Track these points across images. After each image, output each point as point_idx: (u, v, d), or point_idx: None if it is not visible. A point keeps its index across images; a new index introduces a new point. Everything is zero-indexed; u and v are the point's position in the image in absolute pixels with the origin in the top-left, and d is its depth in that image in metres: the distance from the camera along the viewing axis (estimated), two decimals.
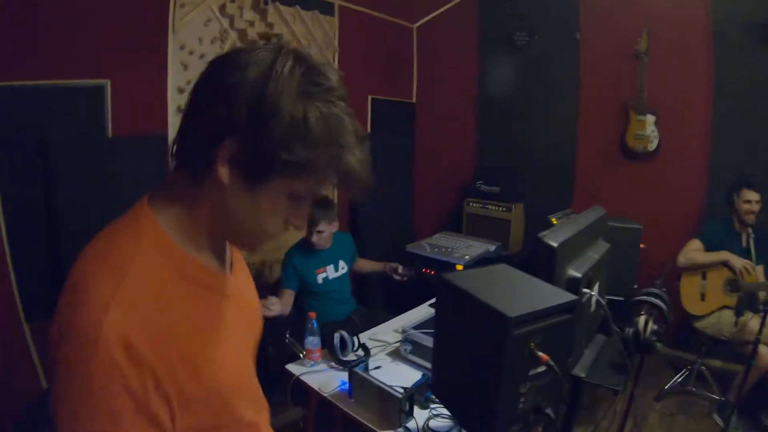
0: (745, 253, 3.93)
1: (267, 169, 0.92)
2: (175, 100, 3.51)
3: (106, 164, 3.15)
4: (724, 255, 3.85)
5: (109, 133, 3.25)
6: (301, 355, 3.10)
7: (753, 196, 3.82)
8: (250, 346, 1.27)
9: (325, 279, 3.73)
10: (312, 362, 2.75)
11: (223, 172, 0.92)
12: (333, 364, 2.77)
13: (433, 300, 3.73)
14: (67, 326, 0.85)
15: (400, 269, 3.86)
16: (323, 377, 2.66)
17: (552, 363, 1.49)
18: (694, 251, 3.98)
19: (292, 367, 2.75)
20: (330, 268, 3.75)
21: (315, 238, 3.62)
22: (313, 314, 2.74)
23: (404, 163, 5.84)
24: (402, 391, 2.29)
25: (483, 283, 1.75)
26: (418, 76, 6.14)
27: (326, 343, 2.84)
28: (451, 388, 1.88)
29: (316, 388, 2.57)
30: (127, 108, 3.30)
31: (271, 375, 2.84)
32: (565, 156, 5.35)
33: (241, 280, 1.21)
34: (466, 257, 4.48)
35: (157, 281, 0.93)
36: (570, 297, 1.64)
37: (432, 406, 2.41)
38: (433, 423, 2.32)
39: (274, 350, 3.57)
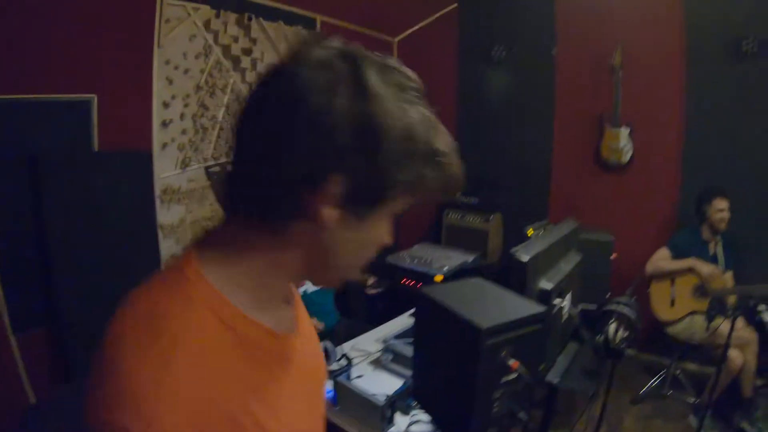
0: (713, 261, 4.05)
1: (380, 196, 0.81)
2: (160, 115, 3.58)
3: (93, 178, 3.19)
4: (690, 262, 3.96)
5: (96, 148, 3.30)
6: None
7: (724, 204, 3.92)
8: (321, 407, 1.12)
9: (305, 292, 3.73)
10: None
11: (329, 213, 0.78)
12: None
13: (413, 310, 3.76)
14: (104, 427, 0.66)
15: (370, 281, 3.84)
16: None
17: (523, 370, 1.55)
18: (661, 260, 4.11)
19: None
20: (308, 282, 3.71)
21: None
22: None
23: None
24: (384, 398, 2.35)
25: (458, 296, 1.82)
26: None
27: None
28: (430, 393, 1.95)
29: None
30: (113, 123, 3.35)
31: None
32: (541, 167, 5.46)
33: (305, 331, 1.06)
34: (445, 268, 4.55)
35: (214, 358, 0.75)
36: (539, 309, 1.72)
37: (413, 412, 2.45)
38: (414, 428, 2.37)
39: None
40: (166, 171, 3.66)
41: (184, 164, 3.76)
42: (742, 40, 4.20)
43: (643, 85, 4.74)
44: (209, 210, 3.99)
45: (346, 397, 2.47)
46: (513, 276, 2.16)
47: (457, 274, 4.69)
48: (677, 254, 4.08)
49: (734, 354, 3.57)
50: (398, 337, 2.93)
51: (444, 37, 5.90)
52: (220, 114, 3.97)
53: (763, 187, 4.24)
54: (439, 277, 4.51)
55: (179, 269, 0.80)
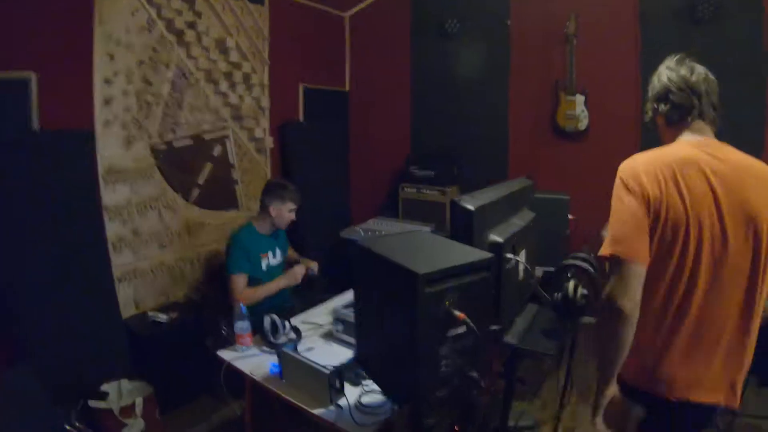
0: None
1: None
2: (102, 92, 3.47)
3: (33, 159, 3.07)
4: None
5: (36, 127, 3.19)
6: (222, 331, 3.20)
7: None
8: None
9: (268, 265, 3.64)
10: (243, 347, 2.76)
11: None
12: (265, 348, 2.78)
13: None
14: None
15: (317, 269, 3.81)
16: (255, 361, 2.66)
17: (468, 321, 1.50)
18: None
19: (224, 354, 2.75)
20: (270, 254, 3.66)
21: (291, 217, 3.63)
22: (243, 299, 2.76)
23: (338, 150, 5.88)
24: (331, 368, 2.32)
25: (399, 247, 1.79)
26: (351, 65, 6.18)
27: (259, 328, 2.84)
28: (374, 359, 1.92)
29: (247, 372, 2.58)
30: (54, 101, 3.24)
31: (210, 366, 2.88)
32: (498, 138, 5.46)
33: None
34: None
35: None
36: (485, 255, 1.66)
37: (364, 382, 2.41)
38: (365, 399, 2.31)
39: (213, 341, 3.58)
40: (109, 150, 3.55)
41: (129, 143, 3.65)
42: (696, 4, 4.26)
43: (597, 52, 4.77)
44: (156, 189, 3.89)
45: (292, 370, 2.43)
46: (459, 226, 2.04)
47: None
48: None
49: None
50: (348, 306, 2.85)
51: (396, 11, 5.86)
52: (165, 90, 3.87)
53: None
54: None
55: None
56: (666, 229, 1.68)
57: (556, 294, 2.22)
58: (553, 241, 3.27)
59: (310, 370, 2.33)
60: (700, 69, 1.92)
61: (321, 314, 3.26)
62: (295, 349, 2.58)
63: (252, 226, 3.60)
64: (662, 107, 1.93)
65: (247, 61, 4.53)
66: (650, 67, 3.57)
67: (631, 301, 1.63)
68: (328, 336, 2.95)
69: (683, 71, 1.90)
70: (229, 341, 2.91)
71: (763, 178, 1.70)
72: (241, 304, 2.75)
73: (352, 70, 6.22)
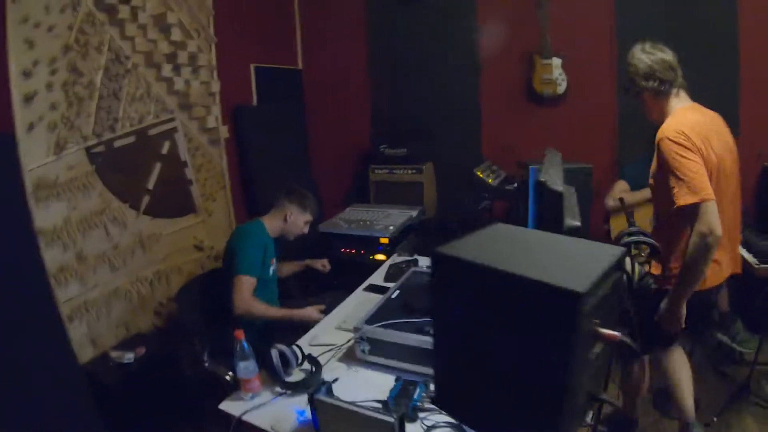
0: None
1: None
2: (21, 87, 2.76)
3: None
4: (646, 192, 3.72)
5: None
6: (227, 377, 2.66)
7: None
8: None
9: (273, 272, 3.23)
10: (251, 394, 2.16)
11: None
12: (278, 389, 2.20)
13: (367, 284, 3.33)
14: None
15: (327, 264, 3.47)
16: (272, 411, 2.08)
17: (626, 339, 1.24)
18: (623, 192, 3.93)
19: (229, 406, 2.13)
20: (275, 261, 3.25)
21: (304, 231, 3.34)
22: (240, 333, 2.13)
23: (297, 135, 5.34)
24: (393, 412, 1.81)
25: (502, 253, 1.35)
26: (303, 40, 5.66)
27: (263, 359, 2.25)
28: (473, 398, 1.45)
29: (270, 430, 1.98)
30: None
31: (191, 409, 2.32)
32: (469, 108, 5.12)
33: None
34: (390, 228, 4.14)
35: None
36: (617, 249, 1.34)
37: (421, 415, 1.98)
38: None
39: (192, 375, 3.10)
40: (36, 159, 2.87)
41: (60, 148, 2.97)
42: None
43: (572, 13, 4.54)
44: (99, 202, 3.23)
45: (332, 418, 1.87)
46: (546, 211, 1.89)
47: (404, 234, 4.21)
48: (634, 186, 3.97)
49: None
50: (370, 321, 2.36)
51: None
52: (98, 79, 3.17)
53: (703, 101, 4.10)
54: (384, 240, 4.03)
55: None
56: (710, 172, 2.27)
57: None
58: (584, 216, 2.97)
59: (361, 419, 1.79)
60: (669, 50, 2.51)
61: (329, 331, 2.73)
62: (330, 391, 1.98)
63: (264, 225, 3.18)
64: (651, 84, 2.47)
65: (191, 39, 3.83)
66: (626, 26, 3.92)
67: (720, 228, 2.17)
68: (349, 358, 2.43)
69: (660, 54, 2.47)
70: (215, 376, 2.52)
71: (724, 123, 2.52)
72: (244, 342, 2.11)
73: (304, 46, 5.65)
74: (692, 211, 2.19)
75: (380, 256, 4.05)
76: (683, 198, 2.20)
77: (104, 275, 3.28)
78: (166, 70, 3.59)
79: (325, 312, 3.03)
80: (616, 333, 1.21)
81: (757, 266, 3.28)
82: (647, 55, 2.45)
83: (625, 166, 4.24)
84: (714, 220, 2.16)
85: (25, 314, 2.61)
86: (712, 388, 3.38)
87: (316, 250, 3.99)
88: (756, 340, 3.59)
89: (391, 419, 1.72)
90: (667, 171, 2.29)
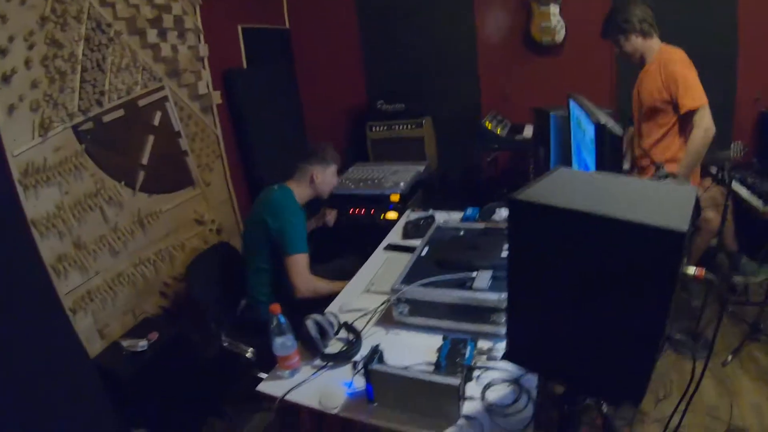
0: None
1: None
2: None
3: None
4: None
5: None
6: (248, 355, 2.59)
7: None
8: None
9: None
10: (290, 371, 2.00)
11: None
12: (318, 362, 2.04)
13: (386, 243, 3.19)
14: None
15: (335, 213, 3.40)
16: (317, 386, 1.92)
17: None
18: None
19: (269, 387, 1.96)
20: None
21: (336, 181, 3.26)
22: (276, 307, 1.95)
23: (289, 97, 5.12)
24: (441, 370, 1.81)
25: (584, 197, 1.25)
26: None
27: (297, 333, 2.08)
28: (555, 349, 1.37)
29: (317, 407, 1.83)
30: None
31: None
32: (466, 59, 5.01)
33: None
34: (401, 184, 4.01)
35: None
36: (692, 188, 1.31)
37: (475, 374, 1.85)
38: (491, 395, 1.74)
39: (211, 357, 3.04)
40: (21, 144, 2.62)
41: (45, 128, 2.72)
42: None
43: None
44: (91, 183, 3.00)
45: (390, 388, 1.73)
46: (607, 154, 1.79)
47: (413, 190, 4.04)
48: None
49: (711, 215, 3.55)
50: (406, 281, 2.20)
51: None
52: (80, 50, 2.91)
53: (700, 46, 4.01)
54: (395, 197, 3.87)
55: None
56: None
57: None
58: None
59: (424, 386, 1.66)
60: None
61: (357, 296, 2.58)
62: (382, 360, 1.82)
63: (292, 192, 2.99)
64: (645, 27, 3.12)
65: (175, 1, 3.56)
66: None
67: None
68: (386, 322, 2.29)
69: (645, 8, 3.12)
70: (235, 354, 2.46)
71: None
72: (281, 316, 1.94)
73: (290, 4, 5.37)
74: (693, 114, 2.90)
75: (391, 215, 3.90)
76: (692, 102, 2.89)
77: (105, 261, 3.07)
78: (151, 36, 3.32)
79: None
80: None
81: (762, 209, 3.44)
82: (640, 9, 3.12)
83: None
84: (710, 117, 2.86)
85: (26, 312, 2.40)
86: (725, 329, 3.40)
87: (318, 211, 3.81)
88: (762, 268, 3.72)
89: (455, 382, 1.58)
90: (674, 86, 2.96)
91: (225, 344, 2.72)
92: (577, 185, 1.37)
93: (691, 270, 1.19)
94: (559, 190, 1.30)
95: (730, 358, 3.17)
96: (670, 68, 2.99)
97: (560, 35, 4.55)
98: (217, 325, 2.75)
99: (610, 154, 1.73)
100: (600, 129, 1.74)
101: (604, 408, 1.93)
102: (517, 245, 1.32)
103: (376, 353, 1.78)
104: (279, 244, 2.80)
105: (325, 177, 3.09)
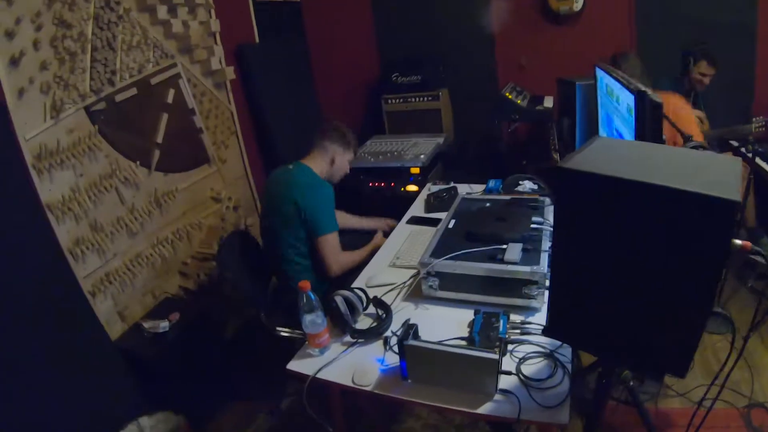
0: None
1: None
2: (5, 50, 2.42)
3: None
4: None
5: None
6: (284, 334, 2.50)
7: (710, 71, 3.86)
8: None
9: None
10: (320, 349, 1.95)
11: None
12: (348, 339, 2.00)
13: (409, 216, 3.16)
14: None
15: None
16: (349, 363, 1.88)
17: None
18: None
19: (299, 365, 1.92)
20: None
21: (347, 170, 3.15)
22: (306, 284, 1.89)
23: (302, 70, 5.03)
24: (475, 344, 1.78)
25: (631, 166, 1.20)
26: None
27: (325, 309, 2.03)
28: (600, 322, 1.34)
29: (351, 384, 1.78)
30: None
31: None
32: (481, 30, 4.89)
33: None
34: (421, 156, 3.96)
35: None
36: (736, 159, 1.27)
37: (509, 348, 1.81)
38: (526, 370, 1.71)
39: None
40: (33, 127, 2.56)
41: (56, 110, 2.65)
42: None
43: None
44: (106, 164, 2.94)
45: (425, 364, 1.69)
46: (648, 122, 1.72)
47: (433, 162, 4.00)
48: None
49: None
50: (435, 254, 2.15)
51: None
52: (89, 29, 2.82)
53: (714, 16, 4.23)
54: (416, 170, 3.86)
55: None
56: None
57: None
58: None
59: (458, 360, 1.62)
60: None
61: (383, 270, 2.53)
62: (417, 335, 1.76)
63: (312, 170, 2.90)
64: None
65: None
66: None
67: None
68: (416, 297, 2.23)
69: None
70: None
71: None
72: (310, 292, 1.88)
73: None
74: None
75: (412, 187, 3.85)
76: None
77: (123, 242, 3.03)
78: (162, 12, 3.23)
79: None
80: (749, 243, 1.12)
81: None
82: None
83: (657, 82, 4.06)
84: None
85: (45, 298, 2.40)
86: (747, 305, 3.37)
87: (342, 187, 3.72)
88: None
89: (494, 356, 1.52)
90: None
91: (284, 334, 2.58)
92: (620, 154, 1.33)
93: (739, 242, 1.14)
94: (604, 160, 1.25)
95: (751, 333, 3.11)
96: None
97: (578, 4, 4.46)
98: (267, 314, 2.65)
99: (651, 123, 1.66)
100: (640, 97, 1.68)
101: (630, 382, 1.89)
102: (563, 216, 1.27)
103: (410, 328, 1.72)
104: (310, 224, 2.73)
105: (343, 162, 3.02)
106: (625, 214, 1.13)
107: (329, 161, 2.95)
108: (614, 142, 1.53)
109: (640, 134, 1.75)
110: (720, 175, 1.11)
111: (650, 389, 2.72)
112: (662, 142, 1.76)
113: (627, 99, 1.98)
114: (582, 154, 1.27)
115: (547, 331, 1.47)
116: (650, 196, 1.07)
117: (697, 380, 2.78)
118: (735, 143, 3.89)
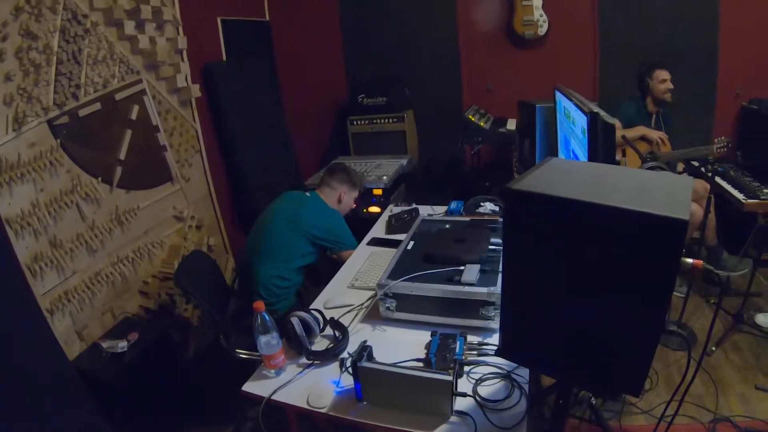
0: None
1: None
2: None
3: None
4: (641, 130, 3.99)
5: None
6: (242, 356, 2.48)
7: (665, 74, 3.97)
8: None
9: None
10: (276, 370, 1.95)
11: None
12: (304, 361, 2.00)
13: (369, 238, 3.18)
14: None
15: None
16: (305, 385, 1.88)
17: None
18: (619, 130, 3.93)
19: (254, 387, 1.92)
20: None
21: (353, 207, 3.37)
22: (260, 305, 1.90)
23: (269, 90, 5.01)
24: (432, 366, 1.80)
25: (581, 186, 1.22)
26: None
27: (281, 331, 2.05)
28: (551, 343, 1.35)
29: (305, 406, 1.78)
30: None
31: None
32: (448, 53, 5.01)
33: None
34: (384, 178, 4.04)
35: None
36: (688, 179, 1.30)
37: (466, 369, 1.84)
38: (483, 391, 1.72)
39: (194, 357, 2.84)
40: None
41: (18, 123, 2.64)
42: None
43: None
44: (67, 179, 2.91)
45: (379, 386, 1.70)
46: (601, 144, 1.78)
47: (396, 184, 4.04)
48: (625, 125, 4.04)
49: (694, 207, 3.56)
50: (392, 276, 2.17)
51: None
52: (55, 42, 2.82)
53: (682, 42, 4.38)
54: (378, 191, 3.95)
55: None
56: None
57: None
58: None
59: (412, 382, 1.62)
60: None
61: (340, 292, 2.54)
62: (371, 356, 1.78)
63: (324, 202, 3.15)
64: None
65: None
66: None
67: None
68: (373, 319, 2.25)
69: None
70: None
71: None
72: (265, 314, 1.89)
73: None
74: None
75: (374, 209, 3.91)
76: None
77: (82, 260, 2.99)
78: (129, 27, 3.22)
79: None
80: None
81: (745, 201, 3.42)
82: None
83: (619, 105, 4.23)
84: None
85: (1, 315, 2.34)
86: (708, 320, 3.51)
87: None
88: (747, 260, 3.78)
89: (448, 377, 1.55)
90: None
91: (243, 355, 2.52)
92: (571, 175, 1.35)
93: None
94: (555, 180, 1.27)
95: (714, 348, 3.22)
96: None
97: (543, 29, 4.58)
98: (225, 335, 2.62)
99: (604, 144, 1.70)
100: (593, 118, 1.72)
101: (593, 401, 1.93)
102: (512, 238, 1.29)
103: (365, 350, 1.74)
104: (332, 245, 3.00)
105: (349, 200, 3.24)
106: (572, 234, 1.15)
107: (337, 199, 3.16)
108: (567, 163, 1.55)
109: (593, 155, 1.79)
110: (670, 195, 1.14)
111: (614, 407, 2.76)
112: (616, 162, 1.79)
113: (582, 121, 2.03)
114: (533, 175, 1.30)
115: (500, 352, 1.48)
116: (597, 216, 1.09)
117: (661, 397, 2.84)
118: (696, 163, 4.03)
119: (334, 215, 3.07)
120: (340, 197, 3.17)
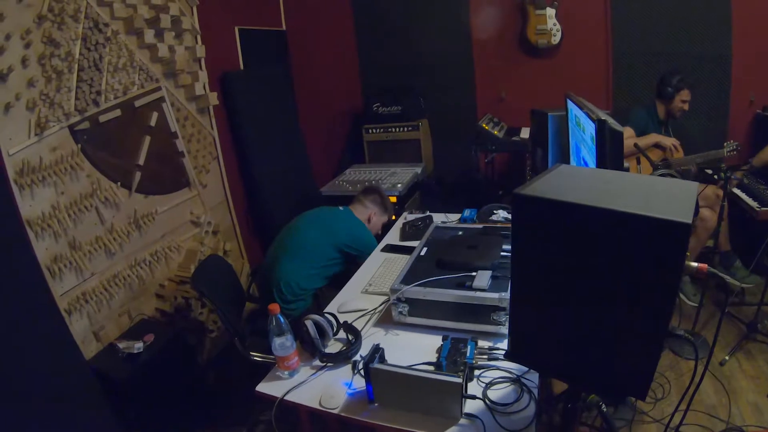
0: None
1: None
2: None
3: None
4: (654, 137, 3.96)
5: None
6: (256, 359, 2.53)
7: (688, 95, 3.96)
8: None
9: None
10: (289, 372, 1.99)
11: None
12: (317, 363, 2.03)
13: (383, 244, 3.21)
14: None
15: None
16: (317, 387, 1.91)
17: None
18: (628, 138, 3.91)
19: (268, 387, 1.95)
20: None
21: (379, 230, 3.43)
22: (275, 307, 1.93)
23: (285, 98, 5.06)
24: (443, 370, 1.80)
25: (588, 192, 1.24)
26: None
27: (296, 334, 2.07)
28: (558, 346, 1.36)
29: (318, 407, 1.82)
30: None
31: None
32: (462, 62, 5.05)
33: None
34: (399, 186, 4.05)
35: None
36: (693, 184, 1.29)
37: (476, 373, 1.85)
38: (493, 394, 1.75)
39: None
40: (17, 142, 2.59)
41: (41, 127, 2.70)
42: None
43: None
44: (88, 183, 2.97)
45: (390, 387, 1.73)
46: (608, 150, 1.80)
47: (411, 191, 4.07)
48: (638, 133, 4.03)
49: (707, 213, 3.70)
50: (405, 281, 2.20)
51: None
52: (77, 49, 2.88)
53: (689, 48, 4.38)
54: (393, 199, 3.94)
55: None
56: None
57: None
58: None
59: (423, 384, 1.65)
60: None
61: (354, 297, 2.57)
62: (383, 359, 1.81)
63: (357, 217, 3.26)
64: None
65: (173, 1, 3.53)
66: None
67: None
68: (386, 323, 2.28)
69: None
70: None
71: None
72: (279, 316, 1.93)
73: (286, 6, 5.34)
74: None
75: None
76: None
77: (101, 262, 3.04)
78: (149, 36, 3.29)
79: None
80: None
81: (759, 209, 3.43)
82: None
83: (631, 112, 4.20)
84: None
85: (21, 314, 2.38)
86: (722, 330, 3.39)
87: None
88: (755, 277, 3.83)
89: (458, 380, 1.58)
90: None
91: (257, 358, 2.57)
92: (579, 181, 1.37)
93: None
94: (562, 186, 1.29)
95: (727, 357, 3.20)
96: None
97: (556, 38, 4.58)
98: (240, 339, 2.66)
99: (612, 150, 1.72)
100: (601, 125, 1.74)
101: (604, 408, 1.93)
102: (520, 242, 1.30)
103: (377, 352, 1.76)
104: (358, 254, 3.06)
105: (378, 222, 3.33)
106: (578, 238, 1.17)
107: (367, 218, 3.27)
108: (574, 169, 1.56)
109: (601, 161, 1.81)
110: (674, 199, 1.14)
111: (625, 415, 2.75)
112: (624, 169, 1.80)
113: (590, 128, 2.05)
114: (541, 181, 1.31)
115: (509, 356, 1.50)
116: (601, 220, 1.10)
117: (673, 406, 2.78)
118: (709, 171, 4.02)
119: (365, 228, 3.19)
120: (370, 217, 3.27)
